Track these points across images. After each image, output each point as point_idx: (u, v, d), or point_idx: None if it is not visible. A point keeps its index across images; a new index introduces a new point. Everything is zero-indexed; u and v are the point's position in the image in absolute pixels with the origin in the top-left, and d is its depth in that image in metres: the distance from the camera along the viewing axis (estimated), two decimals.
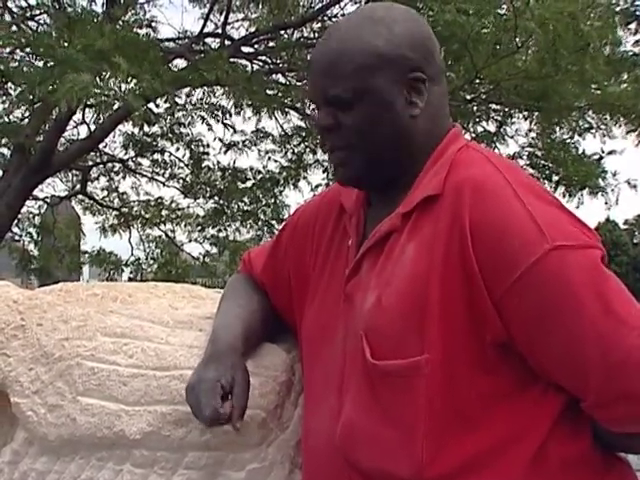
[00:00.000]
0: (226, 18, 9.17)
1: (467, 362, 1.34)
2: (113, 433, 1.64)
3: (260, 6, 9.40)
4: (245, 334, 1.60)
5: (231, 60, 8.41)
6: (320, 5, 9.15)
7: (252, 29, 9.58)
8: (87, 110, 8.62)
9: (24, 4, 8.71)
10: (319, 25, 9.26)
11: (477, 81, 8.44)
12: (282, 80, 9.56)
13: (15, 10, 8.66)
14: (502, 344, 1.34)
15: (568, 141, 9.78)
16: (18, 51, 7.49)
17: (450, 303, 1.34)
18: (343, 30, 1.47)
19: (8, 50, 7.48)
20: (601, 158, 9.60)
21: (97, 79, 5.62)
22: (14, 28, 7.90)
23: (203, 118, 10.29)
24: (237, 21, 9.88)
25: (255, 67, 9.37)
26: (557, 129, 9.68)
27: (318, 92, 1.48)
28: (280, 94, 8.94)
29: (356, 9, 1.71)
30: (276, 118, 10.14)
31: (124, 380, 1.67)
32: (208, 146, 10.91)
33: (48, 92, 5.70)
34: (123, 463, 1.65)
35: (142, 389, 1.65)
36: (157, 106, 9.28)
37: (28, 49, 6.94)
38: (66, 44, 6.13)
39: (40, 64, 6.62)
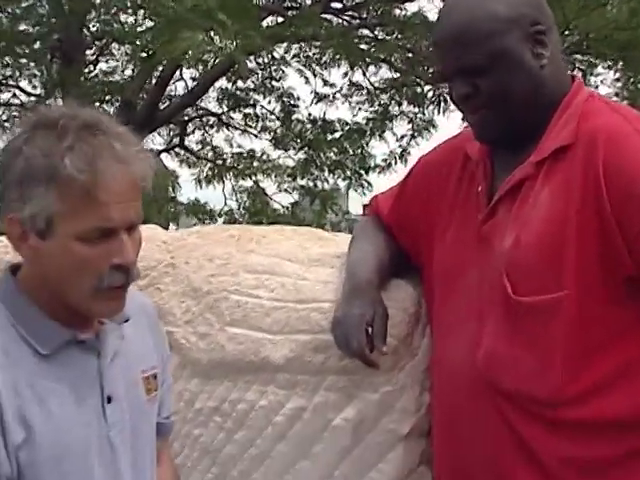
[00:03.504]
0: None
1: (599, 296, 1.47)
2: (259, 359, 1.78)
3: None
4: (378, 269, 1.74)
5: (322, 16, 8.50)
6: None
7: None
8: (185, 67, 8.81)
9: None
10: None
11: (566, 32, 8.35)
12: (370, 35, 9.59)
13: None
14: (632, 280, 1.46)
15: None
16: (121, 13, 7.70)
17: (585, 243, 1.47)
18: (462, 4, 1.58)
19: (113, 11, 7.68)
20: None
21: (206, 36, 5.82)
22: None
23: (301, 71, 10.42)
24: None
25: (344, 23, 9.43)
26: None
27: (451, 64, 1.59)
28: (373, 48, 8.99)
29: None
30: (364, 72, 10.22)
31: (267, 311, 1.81)
32: (298, 99, 11.07)
33: (163, 50, 5.89)
34: (267, 385, 1.79)
35: (284, 320, 1.78)
36: (250, 61, 9.43)
37: (142, 11, 7.10)
38: (174, 4, 6.31)
39: (149, 24, 6.82)
